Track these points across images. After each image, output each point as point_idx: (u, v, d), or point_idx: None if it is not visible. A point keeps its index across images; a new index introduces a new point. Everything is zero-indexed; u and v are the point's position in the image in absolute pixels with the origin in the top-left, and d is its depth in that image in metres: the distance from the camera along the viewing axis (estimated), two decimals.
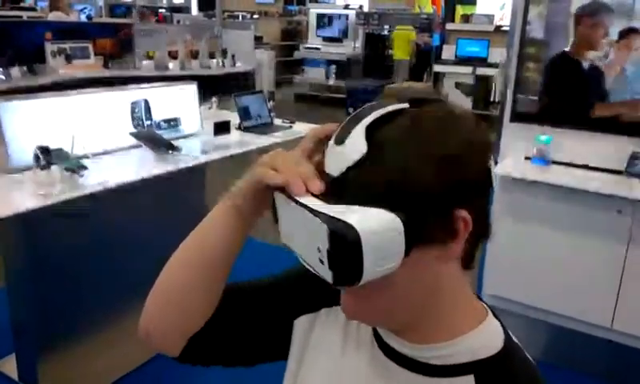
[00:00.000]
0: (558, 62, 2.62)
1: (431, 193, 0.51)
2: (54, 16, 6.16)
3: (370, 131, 0.53)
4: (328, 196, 0.53)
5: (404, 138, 0.52)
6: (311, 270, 0.54)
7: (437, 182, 0.51)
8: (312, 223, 0.51)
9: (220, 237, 0.65)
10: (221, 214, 0.65)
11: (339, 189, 0.53)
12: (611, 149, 2.55)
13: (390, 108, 0.54)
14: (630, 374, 2.63)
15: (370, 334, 0.66)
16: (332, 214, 0.50)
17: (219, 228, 0.65)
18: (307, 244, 0.53)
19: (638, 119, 2.48)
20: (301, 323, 0.72)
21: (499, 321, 0.63)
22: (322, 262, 0.51)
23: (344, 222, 0.49)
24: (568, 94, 2.65)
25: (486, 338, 0.60)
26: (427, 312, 0.59)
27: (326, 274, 0.51)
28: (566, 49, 2.59)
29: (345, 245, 0.49)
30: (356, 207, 0.50)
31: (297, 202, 0.53)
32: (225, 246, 0.65)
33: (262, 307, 0.73)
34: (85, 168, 2.01)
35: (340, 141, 0.54)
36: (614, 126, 2.54)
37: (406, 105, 0.55)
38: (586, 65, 2.55)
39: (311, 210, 0.51)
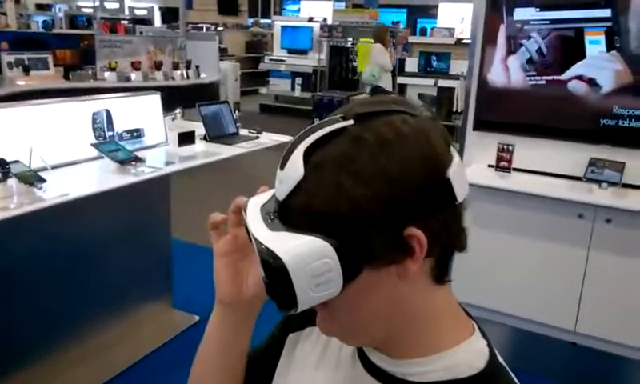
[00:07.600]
0: None
1: (369, 214, 0.50)
2: None
3: (309, 154, 0.52)
4: (277, 221, 0.53)
5: (340, 160, 0.51)
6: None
7: (374, 202, 0.50)
8: (255, 252, 0.52)
9: (221, 339, 0.71)
10: (214, 320, 0.71)
11: (284, 214, 0.53)
12: (570, 156, 2.62)
13: (329, 128, 0.52)
14: (594, 376, 2.69)
15: (353, 348, 0.65)
16: (265, 244, 0.50)
17: (215, 333, 0.71)
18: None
19: (595, 127, 2.57)
20: (289, 340, 0.73)
21: (487, 341, 0.61)
22: None
23: (272, 252, 0.49)
24: None
25: (466, 357, 0.58)
26: (400, 327, 0.57)
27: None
28: None
29: (273, 274, 0.49)
30: (290, 235, 0.50)
31: (250, 231, 0.53)
32: (229, 342, 0.71)
33: (274, 356, 0.75)
34: (43, 180, 1.94)
35: (282, 165, 0.53)
36: (573, 133, 2.61)
37: (351, 122, 0.52)
38: None
39: (255, 239, 0.52)
